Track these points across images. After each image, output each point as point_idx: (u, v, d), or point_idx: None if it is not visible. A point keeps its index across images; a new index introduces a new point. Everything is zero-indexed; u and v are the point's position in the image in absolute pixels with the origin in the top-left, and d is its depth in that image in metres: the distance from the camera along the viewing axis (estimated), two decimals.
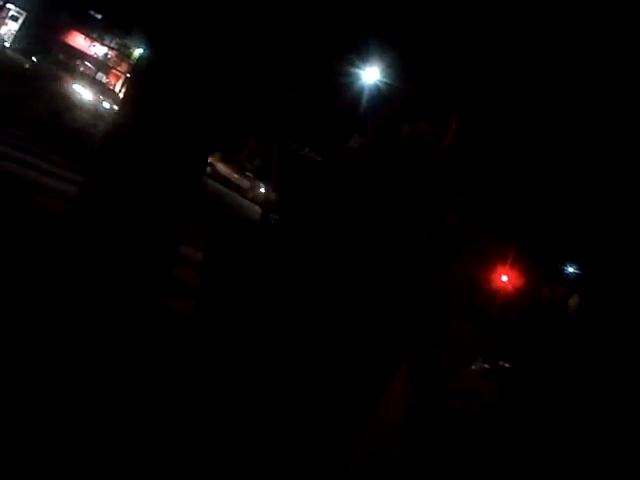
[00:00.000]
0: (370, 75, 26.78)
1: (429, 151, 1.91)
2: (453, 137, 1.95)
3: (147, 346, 3.07)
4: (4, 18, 28.13)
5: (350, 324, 1.78)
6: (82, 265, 2.92)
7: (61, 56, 27.35)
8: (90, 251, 2.93)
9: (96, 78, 26.43)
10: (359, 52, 25.27)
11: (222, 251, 1.94)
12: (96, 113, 17.72)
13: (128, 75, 24.76)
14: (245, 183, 22.55)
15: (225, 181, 21.83)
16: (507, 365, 6.62)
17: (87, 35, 29.86)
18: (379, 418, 1.97)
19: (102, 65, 30.08)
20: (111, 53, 30.76)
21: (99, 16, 29.34)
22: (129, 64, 27.13)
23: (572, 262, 30.53)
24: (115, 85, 27.80)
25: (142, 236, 2.99)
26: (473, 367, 6.64)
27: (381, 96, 26.45)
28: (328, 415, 1.77)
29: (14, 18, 28.67)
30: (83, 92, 21.19)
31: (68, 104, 16.40)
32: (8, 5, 28.21)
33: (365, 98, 26.97)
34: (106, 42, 30.50)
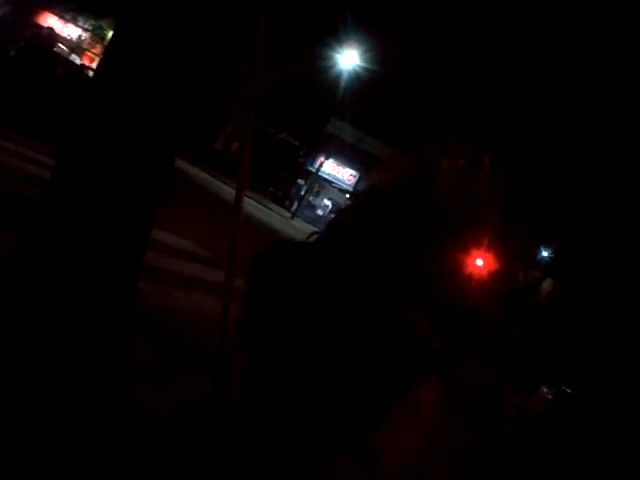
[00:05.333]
0: (348, 59, 26.66)
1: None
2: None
3: (119, 330, 3.05)
4: None
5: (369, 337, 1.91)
6: (53, 249, 2.88)
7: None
8: (61, 236, 2.90)
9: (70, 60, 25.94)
10: (337, 36, 25.12)
11: (265, 269, 2.12)
12: None
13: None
14: None
15: None
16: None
17: (60, 16, 29.28)
18: (407, 424, 2.03)
19: (76, 47, 29.52)
20: (85, 35, 30.22)
21: None
22: (104, 46, 26.66)
23: (546, 246, 31.03)
24: (89, 67, 27.32)
25: (113, 220, 2.96)
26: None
27: (360, 80, 26.38)
28: (344, 422, 1.88)
29: None
30: None
31: None
32: None
33: (343, 82, 26.89)
34: (80, 23, 29.93)
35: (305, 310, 1.98)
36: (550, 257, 31.97)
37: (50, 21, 29.03)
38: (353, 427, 1.96)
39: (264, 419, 2.03)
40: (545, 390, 6.38)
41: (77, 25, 29.92)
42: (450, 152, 2.22)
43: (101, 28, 28.79)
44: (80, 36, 30.00)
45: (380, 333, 1.99)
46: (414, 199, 2.19)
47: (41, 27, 25.43)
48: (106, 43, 25.97)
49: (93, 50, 29.75)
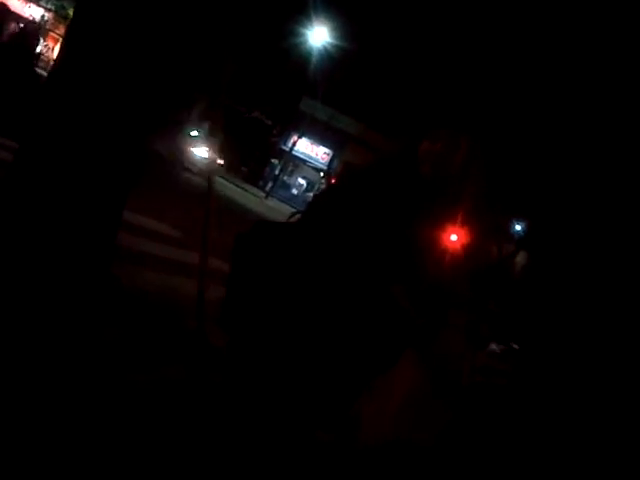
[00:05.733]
0: (318, 36, 26.43)
1: (443, 167, 2.26)
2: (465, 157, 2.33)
3: (94, 315, 3.02)
4: None
5: (355, 311, 1.95)
6: (22, 233, 2.83)
7: None
8: (30, 219, 2.84)
9: None
10: (306, 12, 24.85)
11: (248, 245, 2.18)
12: None
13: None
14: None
15: None
16: (516, 346, 7.50)
17: None
18: (385, 401, 2.07)
19: (39, 28, 28.76)
20: (48, 15, 29.44)
21: None
22: (67, 25, 26.02)
23: (519, 220, 31.40)
24: (53, 49, 26.68)
25: (83, 201, 2.91)
26: (493, 348, 7.45)
27: (330, 58, 26.19)
28: (333, 391, 1.91)
29: None
30: None
31: None
32: None
33: (314, 60, 26.68)
34: (42, 3, 29.14)
35: (288, 287, 2.00)
36: (523, 231, 32.40)
37: (11, 0, 28.20)
38: (333, 402, 2.00)
39: (245, 396, 2.04)
40: (494, 346, 7.27)
41: (39, 5, 29.15)
42: (429, 135, 2.29)
43: (63, 7, 28.07)
44: (43, 16, 29.24)
45: (362, 306, 2.03)
46: (394, 177, 2.23)
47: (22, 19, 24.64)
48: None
49: (57, 31, 29.03)
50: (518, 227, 33.81)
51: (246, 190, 25.70)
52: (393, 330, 2.02)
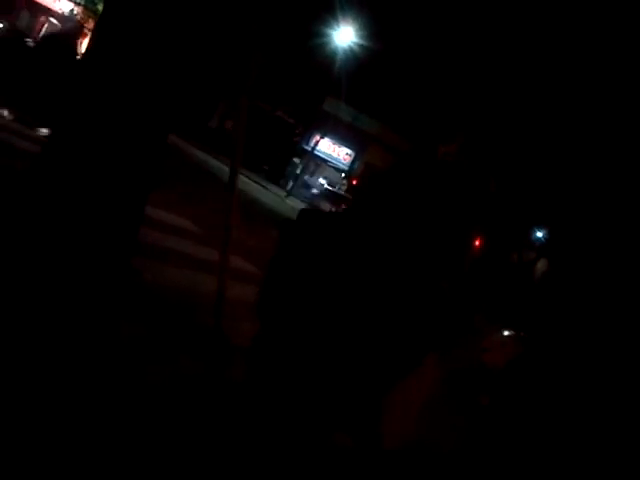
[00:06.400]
0: (344, 36, 26.38)
1: (457, 167, 2.31)
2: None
3: (113, 308, 3.04)
4: None
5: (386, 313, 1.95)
6: (46, 226, 2.86)
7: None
8: (54, 212, 2.87)
9: None
10: (333, 12, 24.82)
11: (292, 231, 2.21)
12: None
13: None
14: None
15: None
16: (522, 334, 8.24)
17: None
18: (406, 404, 2.07)
19: (68, 21, 29.06)
20: (77, 9, 29.73)
21: None
22: (96, 20, 26.25)
23: (540, 227, 31.10)
24: (82, 43, 26.96)
25: (107, 196, 2.94)
26: (504, 333, 8.31)
27: (356, 58, 26.13)
28: (356, 389, 1.91)
29: None
30: None
31: None
32: None
33: (339, 60, 26.64)
34: None
35: (331, 276, 1.99)
36: (544, 238, 32.08)
37: None
38: (356, 401, 1.99)
39: (265, 393, 2.04)
40: (506, 333, 8.29)
41: None
42: (445, 139, 2.29)
43: (93, 2, 28.32)
44: (72, 10, 29.54)
45: (408, 299, 2.03)
46: (423, 179, 2.24)
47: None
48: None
49: (86, 24, 29.31)
50: (539, 234, 33.51)
51: (267, 189, 25.76)
52: (437, 324, 2.02)
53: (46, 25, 26.42)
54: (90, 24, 28.82)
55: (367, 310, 1.91)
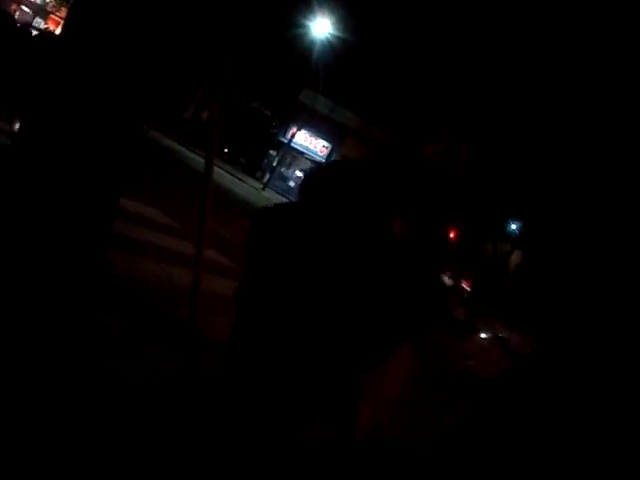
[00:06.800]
0: (321, 28, 26.29)
1: (445, 166, 2.30)
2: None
3: (86, 301, 3.01)
4: None
5: (361, 302, 1.95)
6: (17, 219, 2.82)
7: None
8: (25, 205, 2.83)
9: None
10: (309, 3, 24.72)
11: (264, 223, 2.20)
12: None
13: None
14: None
15: None
16: (502, 335, 8.35)
17: None
18: (381, 390, 2.08)
19: (40, 10, 28.54)
20: None
21: None
22: (69, 9, 25.78)
23: (514, 220, 31.47)
24: (54, 31, 26.47)
25: (80, 188, 2.90)
26: (482, 336, 8.48)
27: (332, 50, 26.08)
28: (329, 379, 1.91)
29: None
30: None
31: None
32: None
33: (316, 52, 26.55)
34: None
35: (305, 263, 2.01)
36: (519, 230, 32.49)
37: None
38: (331, 393, 2.00)
39: (242, 387, 2.04)
40: (483, 335, 8.39)
41: None
42: (432, 138, 2.30)
43: None
44: None
45: (401, 286, 2.05)
46: (397, 170, 2.25)
47: None
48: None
49: (58, 13, 28.79)
50: (513, 227, 33.92)
51: (243, 181, 25.64)
52: (414, 312, 2.03)
53: (17, 13, 25.88)
54: (62, 12, 28.34)
55: (344, 298, 1.92)
